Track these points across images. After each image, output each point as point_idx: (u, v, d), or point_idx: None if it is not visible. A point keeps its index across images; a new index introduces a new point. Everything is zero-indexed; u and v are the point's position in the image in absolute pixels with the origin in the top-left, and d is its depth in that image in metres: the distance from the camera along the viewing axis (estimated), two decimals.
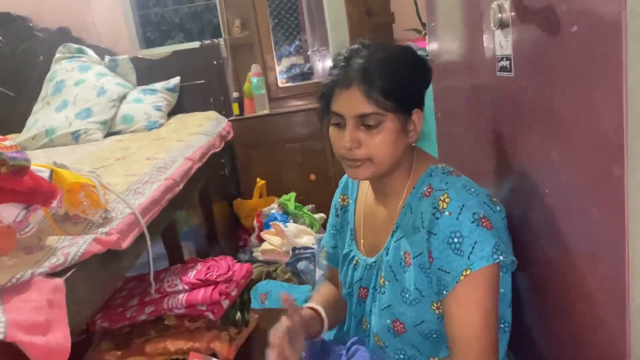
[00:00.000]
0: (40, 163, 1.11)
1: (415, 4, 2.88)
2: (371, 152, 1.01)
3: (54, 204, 1.05)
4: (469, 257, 0.94)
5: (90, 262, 1.02)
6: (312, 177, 3.03)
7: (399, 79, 1.01)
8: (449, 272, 0.96)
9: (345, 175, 1.30)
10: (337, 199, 1.29)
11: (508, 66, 1.04)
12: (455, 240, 0.95)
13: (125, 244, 1.15)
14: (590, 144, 0.78)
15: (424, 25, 2.79)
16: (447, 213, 0.96)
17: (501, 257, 0.94)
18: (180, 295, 1.38)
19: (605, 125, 0.74)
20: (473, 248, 0.94)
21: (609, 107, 0.72)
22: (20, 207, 0.96)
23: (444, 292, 0.97)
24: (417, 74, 1.06)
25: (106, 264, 1.11)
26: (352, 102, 1.00)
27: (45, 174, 1.07)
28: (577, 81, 0.80)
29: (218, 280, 1.42)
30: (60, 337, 0.78)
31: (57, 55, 3.10)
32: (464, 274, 0.94)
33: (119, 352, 1.40)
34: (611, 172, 0.73)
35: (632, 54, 0.67)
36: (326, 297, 1.28)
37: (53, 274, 0.91)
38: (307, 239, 2.35)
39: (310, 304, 1.21)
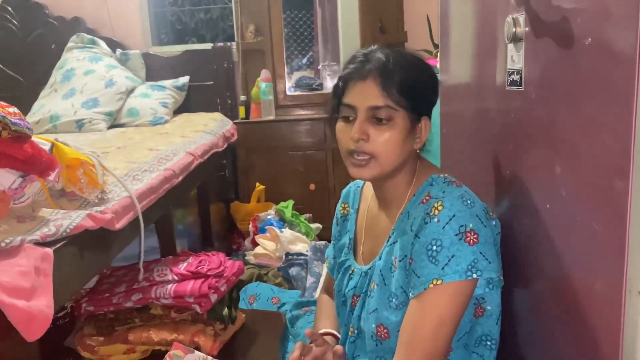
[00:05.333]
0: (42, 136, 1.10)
1: (429, 24, 2.91)
2: (377, 149, 1.01)
3: (52, 176, 1.04)
4: (442, 268, 0.93)
5: (81, 237, 1.01)
6: (312, 186, 3.02)
7: (415, 80, 1.03)
8: (419, 277, 0.96)
9: (348, 186, 1.30)
10: (338, 208, 1.30)
11: (518, 80, 1.04)
12: (434, 248, 0.95)
13: (118, 225, 1.14)
14: (595, 158, 0.78)
15: (435, 46, 2.81)
16: (435, 220, 0.96)
17: (475, 275, 0.93)
18: (169, 286, 1.36)
19: (611, 140, 0.73)
20: (449, 260, 0.93)
21: (617, 122, 0.72)
22: (16, 175, 0.95)
23: (410, 294, 0.97)
24: (430, 83, 1.08)
25: (97, 242, 1.10)
26: (367, 93, 1.01)
27: (46, 147, 1.06)
28: (586, 95, 0.80)
29: (209, 273, 1.40)
30: (44, 304, 0.77)
31: (70, 44, 3.11)
32: (434, 282, 0.94)
33: (102, 338, 1.38)
34: (615, 187, 0.72)
35: None
36: (334, 317, 1.28)
37: (43, 243, 0.89)
38: (301, 246, 2.34)
39: (327, 330, 1.23)
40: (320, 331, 1.22)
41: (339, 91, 1.06)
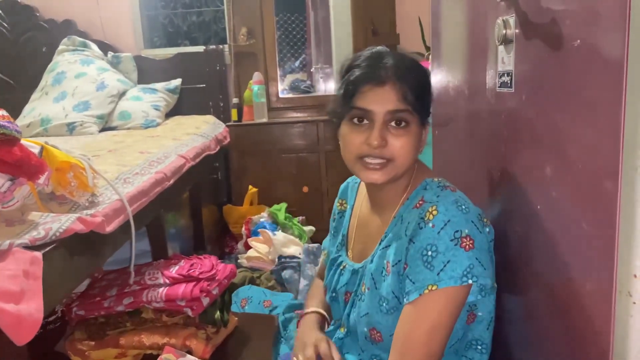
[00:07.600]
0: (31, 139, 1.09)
1: (421, 26, 2.92)
2: (395, 153, 1.00)
3: (41, 180, 1.03)
4: (438, 274, 0.93)
5: (71, 241, 1.00)
6: (305, 189, 3.01)
7: (424, 84, 1.04)
8: (414, 283, 0.95)
9: (346, 181, 1.30)
10: (335, 203, 1.30)
11: (509, 82, 1.05)
12: (430, 253, 0.94)
13: (109, 229, 1.13)
14: (585, 159, 0.78)
15: (427, 48, 2.82)
16: (430, 225, 0.95)
17: (470, 281, 0.92)
18: (161, 289, 1.36)
19: (601, 141, 0.73)
20: (445, 266, 0.93)
21: (606, 123, 0.72)
22: (5, 178, 0.94)
23: (405, 299, 0.97)
24: (431, 86, 1.08)
25: (87, 246, 1.09)
26: (386, 98, 0.99)
27: (36, 150, 1.05)
28: (575, 97, 0.80)
29: (200, 277, 1.39)
30: (33, 308, 0.76)
31: (61, 47, 3.10)
32: (430, 288, 0.93)
33: (93, 343, 1.37)
34: (604, 188, 0.73)
35: (632, 69, 0.67)
36: (323, 298, 1.30)
37: (32, 247, 0.89)
38: (294, 249, 2.33)
39: (314, 309, 1.26)
40: (310, 309, 1.26)
41: (348, 94, 1.02)
